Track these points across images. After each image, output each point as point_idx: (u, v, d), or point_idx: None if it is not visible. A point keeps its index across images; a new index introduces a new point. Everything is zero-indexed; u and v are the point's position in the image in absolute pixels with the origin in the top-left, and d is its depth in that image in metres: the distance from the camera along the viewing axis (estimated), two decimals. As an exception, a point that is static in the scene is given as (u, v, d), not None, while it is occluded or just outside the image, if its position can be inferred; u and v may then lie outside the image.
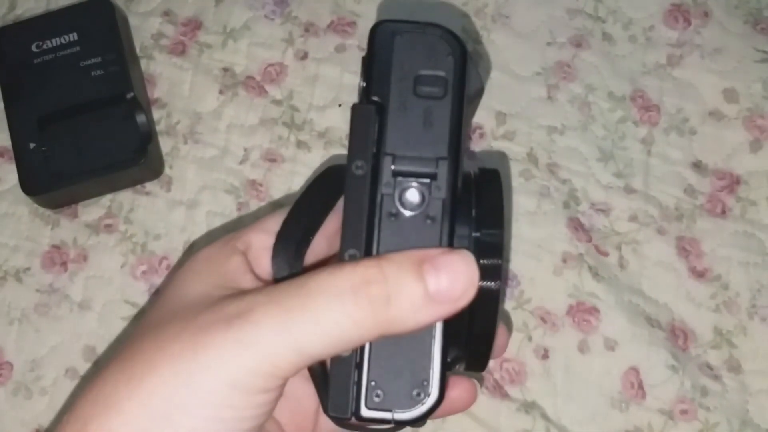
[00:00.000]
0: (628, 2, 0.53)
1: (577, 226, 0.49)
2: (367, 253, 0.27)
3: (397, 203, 0.28)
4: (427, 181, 0.28)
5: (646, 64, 0.52)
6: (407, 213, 0.28)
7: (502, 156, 0.50)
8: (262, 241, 0.31)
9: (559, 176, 0.50)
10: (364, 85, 0.28)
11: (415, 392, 0.27)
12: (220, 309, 0.26)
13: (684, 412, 0.46)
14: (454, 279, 0.26)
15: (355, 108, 0.28)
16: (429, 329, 0.27)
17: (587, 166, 0.50)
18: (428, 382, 0.27)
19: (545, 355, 0.47)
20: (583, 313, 0.47)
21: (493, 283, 0.28)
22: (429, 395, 0.27)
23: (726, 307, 0.48)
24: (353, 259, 0.27)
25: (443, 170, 0.28)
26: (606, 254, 0.49)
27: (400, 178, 0.28)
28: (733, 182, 0.50)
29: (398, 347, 0.27)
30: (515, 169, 0.50)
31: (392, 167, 0.28)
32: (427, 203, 0.28)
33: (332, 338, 0.25)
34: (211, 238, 0.49)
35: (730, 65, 0.52)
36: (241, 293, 0.27)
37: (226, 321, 0.25)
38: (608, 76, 0.52)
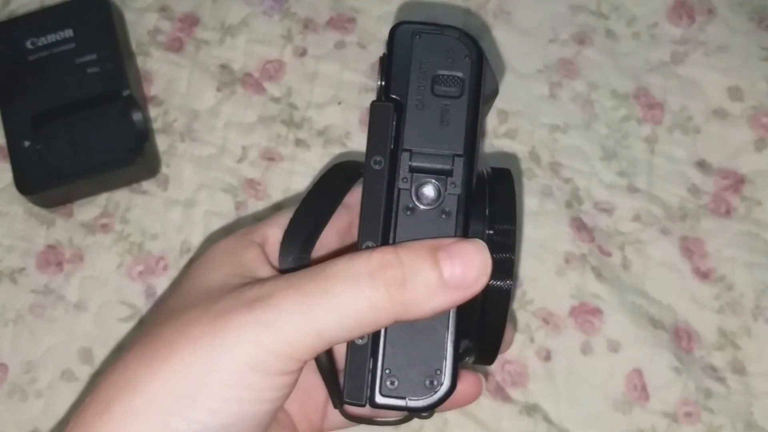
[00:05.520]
0: (631, -1, 0.53)
1: (579, 226, 0.48)
2: (384, 245, 0.28)
3: (414, 198, 0.28)
4: (443, 177, 0.28)
5: (649, 62, 0.52)
6: (423, 207, 0.28)
7: (513, 158, 0.50)
8: (277, 235, 0.32)
9: (561, 175, 0.49)
10: (383, 83, 0.29)
11: (428, 381, 0.28)
12: (240, 294, 0.27)
13: (688, 414, 0.45)
14: (467, 266, 0.26)
15: (374, 105, 0.29)
16: (443, 320, 0.28)
17: (590, 165, 0.50)
18: (441, 372, 0.28)
19: (547, 357, 0.46)
20: (585, 314, 0.47)
21: (505, 278, 0.29)
22: (442, 384, 0.28)
23: (730, 308, 0.47)
24: None
25: (459, 167, 0.28)
26: (609, 254, 0.48)
27: (416, 174, 0.28)
28: (737, 181, 0.49)
29: (412, 337, 0.28)
30: (517, 168, 0.49)
31: (409, 163, 0.28)
32: (443, 199, 0.28)
33: (350, 321, 0.26)
34: (208, 242, 0.49)
35: (734, 63, 0.51)
36: (260, 280, 0.28)
37: (247, 304, 0.26)
38: (611, 74, 0.51)
